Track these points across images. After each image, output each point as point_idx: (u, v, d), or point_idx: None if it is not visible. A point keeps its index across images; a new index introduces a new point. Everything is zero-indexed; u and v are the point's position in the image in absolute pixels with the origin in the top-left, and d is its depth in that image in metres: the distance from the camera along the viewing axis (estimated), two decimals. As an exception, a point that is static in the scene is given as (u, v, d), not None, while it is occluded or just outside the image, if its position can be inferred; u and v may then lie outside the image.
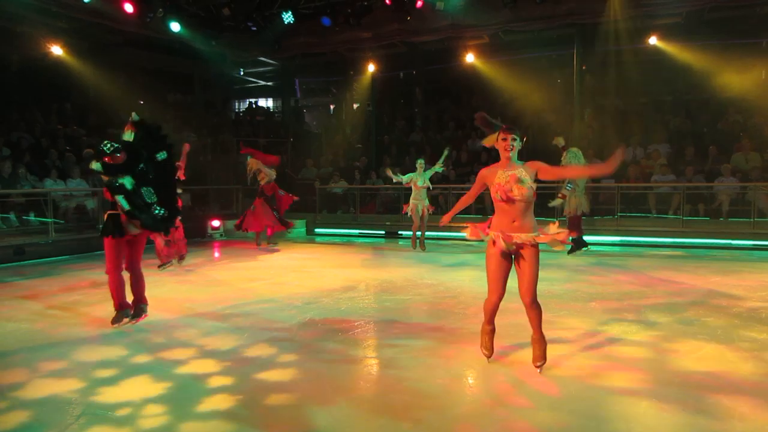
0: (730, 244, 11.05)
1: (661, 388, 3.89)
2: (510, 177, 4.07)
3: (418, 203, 10.74)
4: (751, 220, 11.29)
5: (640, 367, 4.30)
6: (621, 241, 11.88)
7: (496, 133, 4.22)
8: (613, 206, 12.46)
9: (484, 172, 4.29)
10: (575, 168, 4.36)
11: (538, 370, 4.16)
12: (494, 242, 4.16)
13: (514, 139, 4.13)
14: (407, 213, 10.97)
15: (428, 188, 10.90)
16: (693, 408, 3.56)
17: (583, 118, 15.37)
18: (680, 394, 3.78)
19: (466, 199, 4.56)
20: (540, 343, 4.20)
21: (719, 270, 8.52)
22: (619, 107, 16.18)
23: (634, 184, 12.92)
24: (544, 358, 4.18)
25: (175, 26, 13.69)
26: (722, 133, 14.31)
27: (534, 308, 4.16)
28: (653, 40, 14.73)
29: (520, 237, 4.07)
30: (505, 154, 4.15)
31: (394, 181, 11.14)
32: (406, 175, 10.90)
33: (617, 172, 13.39)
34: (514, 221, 4.10)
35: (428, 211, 10.82)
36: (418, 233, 11.10)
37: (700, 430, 3.29)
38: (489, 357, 4.39)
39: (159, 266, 8.76)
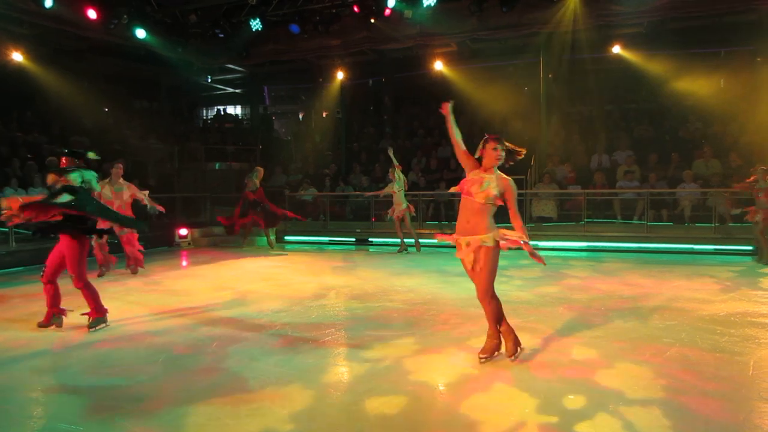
0: (693, 248, 11.33)
1: (627, 391, 3.94)
2: (480, 178, 4.40)
3: (396, 206, 11.42)
4: (713, 225, 11.62)
5: (607, 371, 4.35)
6: (588, 246, 12.07)
7: (483, 143, 4.52)
8: (580, 212, 12.68)
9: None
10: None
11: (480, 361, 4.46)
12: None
13: (503, 150, 4.43)
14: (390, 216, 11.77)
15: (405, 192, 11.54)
16: (659, 411, 3.61)
17: (550, 126, 15.62)
18: (646, 397, 3.84)
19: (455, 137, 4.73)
20: (490, 338, 4.56)
21: (682, 274, 8.72)
22: (584, 115, 16.53)
23: (600, 190, 13.18)
24: (485, 351, 4.52)
25: (140, 33, 13.45)
26: (684, 140, 14.73)
27: (485, 304, 4.51)
28: (617, 49, 15.10)
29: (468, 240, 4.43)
30: (496, 163, 4.43)
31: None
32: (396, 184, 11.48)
33: (585, 179, 13.74)
34: (468, 221, 4.42)
35: (408, 213, 11.43)
36: (408, 238, 11.85)
37: (666, 432, 3.35)
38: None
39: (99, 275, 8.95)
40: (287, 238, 14.48)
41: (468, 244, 4.43)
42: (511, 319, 5.84)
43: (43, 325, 5.76)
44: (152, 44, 14.17)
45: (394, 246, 12.21)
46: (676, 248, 11.45)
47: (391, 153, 11.59)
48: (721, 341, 5.08)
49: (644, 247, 11.70)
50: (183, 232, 13.66)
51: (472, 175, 4.46)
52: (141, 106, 19.53)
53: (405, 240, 11.89)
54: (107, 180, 8.95)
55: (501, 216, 4.46)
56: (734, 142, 13.92)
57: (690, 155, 13.67)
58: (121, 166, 9.25)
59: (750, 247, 10.44)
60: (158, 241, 13.28)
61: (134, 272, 9.27)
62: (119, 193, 8.98)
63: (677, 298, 6.96)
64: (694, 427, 3.40)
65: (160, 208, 9.21)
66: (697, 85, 14.84)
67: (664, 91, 15.43)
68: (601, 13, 12.79)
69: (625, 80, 16.03)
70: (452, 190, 4.60)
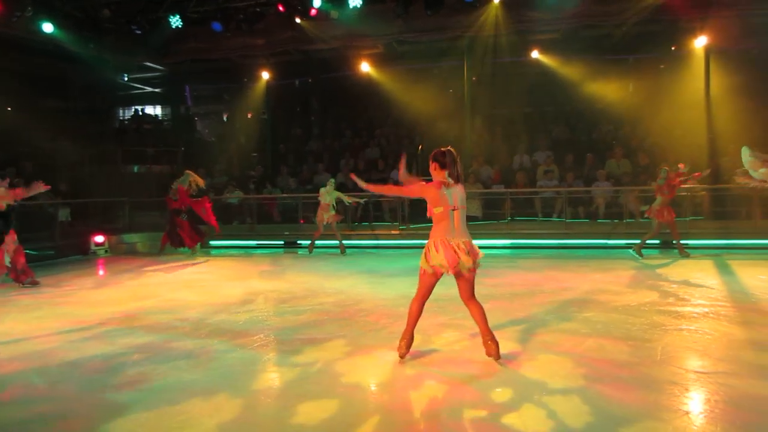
0: (607, 243, 12.00)
1: (550, 381, 4.11)
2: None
3: (324, 213, 11.51)
4: (624, 221, 12.35)
5: (531, 363, 4.52)
6: (511, 243, 12.50)
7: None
8: (504, 211, 13.11)
9: None
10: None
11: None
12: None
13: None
14: (314, 221, 11.95)
15: (334, 205, 11.72)
16: (579, 399, 3.80)
17: (474, 127, 16.06)
18: (567, 386, 4.03)
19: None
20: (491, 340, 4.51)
21: (598, 268, 9.22)
22: (506, 116, 17.11)
23: (522, 189, 13.69)
24: (496, 355, 4.46)
25: (47, 27, 12.62)
26: (597, 141, 15.58)
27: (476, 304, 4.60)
28: (535, 54, 15.74)
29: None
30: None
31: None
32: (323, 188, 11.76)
33: (507, 178, 14.24)
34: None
35: (335, 220, 11.66)
36: (339, 241, 11.91)
37: (584, 419, 3.51)
38: None
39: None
40: (212, 242, 14.05)
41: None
42: (439, 317, 5.98)
43: None
44: (61, 39, 13.33)
45: (328, 248, 12.21)
46: (591, 243, 12.08)
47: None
48: (633, 330, 5.41)
49: (563, 243, 12.26)
50: (99, 239, 12.94)
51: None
52: (50, 106, 18.34)
53: (317, 243, 12.09)
54: None
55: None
56: (641, 143, 14.87)
57: (603, 155, 14.47)
58: None
59: (657, 241, 11.15)
60: (71, 250, 12.52)
61: (34, 283, 8.65)
62: None
63: (593, 290, 7.35)
64: (610, 411, 3.60)
65: (45, 187, 8.52)
66: (608, 89, 15.77)
67: (578, 95, 16.24)
68: (520, 19, 13.32)
69: (543, 83, 16.71)
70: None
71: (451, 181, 4.45)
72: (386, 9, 13.12)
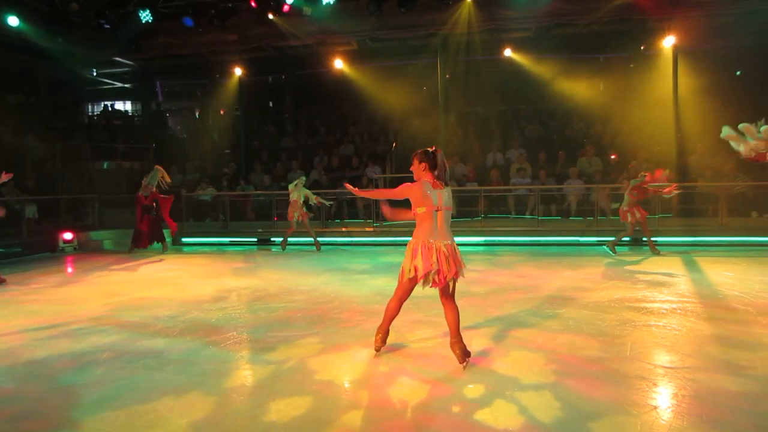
0: (578, 240, 12.19)
1: (522, 377, 4.16)
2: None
3: (295, 211, 11.60)
4: (595, 218, 12.55)
5: (503, 359, 4.57)
6: (485, 241, 12.60)
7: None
8: (478, 208, 13.21)
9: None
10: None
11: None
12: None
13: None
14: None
15: (305, 201, 11.76)
16: (550, 394, 3.85)
17: (448, 125, 16.14)
18: (539, 382, 4.08)
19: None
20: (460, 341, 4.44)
21: (569, 265, 9.35)
22: (479, 114, 17.24)
23: (495, 187, 13.81)
24: (465, 356, 4.36)
25: (12, 20, 12.27)
26: (569, 139, 15.78)
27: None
28: (508, 52, 15.87)
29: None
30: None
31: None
32: (291, 184, 11.82)
33: (481, 176, 14.34)
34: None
35: (306, 217, 11.72)
36: (314, 238, 12.00)
37: (555, 414, 3.56)
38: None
39: None
40: (184, 239, 13.87)
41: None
42: (413, 314, 6.01)
43: None
44: (27, 33, 12.97)
45: (302, 246, 12.17)
46: (563, 240, 12.25)
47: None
48: (603, 326, 5.51)
49: (535, 240, 12.41)
50: (68, 236, 12.68)
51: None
52: (15, 101, 17.85)
53: (289, 239, 12.16)
54: None
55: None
56: (612, 141, 15.13)
57: (574, 153, 14.68)
58: None
59: (628, 239, 11.36)
60: (39, 247, 12.26)
61: (0, 281, 8.47)
62: None
63: (565, 287, 7.46)
64: (580, 406, 3.66)
65: (8, 175, 8.23)
66: (579, 88, 16.01)
67: (550, 93, 16.44)
68: (493, 17, 13.42)
69: (516, 82, 16.89)
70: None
71: (438, 182, 4.41)
72: (359, 6, 13.09)
